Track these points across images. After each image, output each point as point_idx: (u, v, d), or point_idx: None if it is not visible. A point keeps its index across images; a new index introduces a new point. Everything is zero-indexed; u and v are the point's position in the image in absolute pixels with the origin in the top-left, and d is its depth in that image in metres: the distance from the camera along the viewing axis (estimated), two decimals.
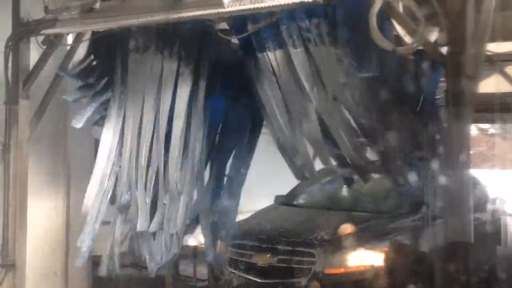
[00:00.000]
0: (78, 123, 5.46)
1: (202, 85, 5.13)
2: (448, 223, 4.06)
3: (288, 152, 4.98)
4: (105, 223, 5.52)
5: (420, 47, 3.78)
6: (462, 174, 3.89)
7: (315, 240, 5.53)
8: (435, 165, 4.64)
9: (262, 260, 5.60)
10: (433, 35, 3.82)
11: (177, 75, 5.05)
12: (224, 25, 5.08)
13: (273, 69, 4.77)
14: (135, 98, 5.22)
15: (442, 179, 4.26)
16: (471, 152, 4.03)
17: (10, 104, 5.79)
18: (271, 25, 4.52)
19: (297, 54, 4.61)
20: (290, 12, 4.48)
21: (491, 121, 7.74)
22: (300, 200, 6.98)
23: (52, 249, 6.51)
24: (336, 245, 5.46)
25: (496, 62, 5.26)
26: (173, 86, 5.06)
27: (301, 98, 4.72)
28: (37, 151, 6.09)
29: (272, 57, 4.73)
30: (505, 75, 5.47)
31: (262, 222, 6.13)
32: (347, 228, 5.59)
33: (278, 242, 5.62)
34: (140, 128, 5.20)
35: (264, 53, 4.75)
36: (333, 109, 4.63)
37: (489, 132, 11.91)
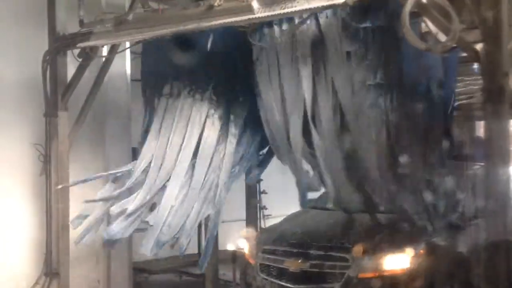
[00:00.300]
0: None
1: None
2: (488, 223, 3.96)
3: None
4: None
5: (454, 45, 3.71)
6: (503, 172, 3.80)
7: (348, 243, 5.37)
8: (472, 163, 4.56)
9: (294, 265, 5.48)
10: (467, 33, 3.74)
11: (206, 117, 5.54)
12: None
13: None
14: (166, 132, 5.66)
15: (482, 178, 4.19)
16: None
17: (50, 116, 5.94)
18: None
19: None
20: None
21: None
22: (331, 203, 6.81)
23: (94, 257, 6.63)
24: (369, 248, 5.28)
25: None
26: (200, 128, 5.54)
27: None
28: (76, 162, 6.21)
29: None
30: None
31: (293, 227, 5.99)
32: (379, 231, 5.43)
33: (310, 246, 5.50)
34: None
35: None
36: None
37: None
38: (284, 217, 6.62)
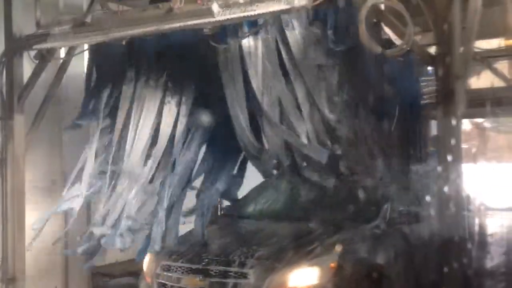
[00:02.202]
0: None
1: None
2: (437, 222, 4.10)
3: (251, 150, 4.95)
4: None
5: (408, 49, 3.83)
6: (454, 170, 3.95)
7: (251, 257, 4.79)
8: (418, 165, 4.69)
9: (192, 284, 4.91)
10: (421, 36, 3.88)
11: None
12: None
13: (243, 59, 4.74)
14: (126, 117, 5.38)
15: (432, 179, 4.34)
16: (465, 146, 4.08)
17: (5, 119, 5.81)
18: None
19: (268, 41, 4.63)
20: None
21: (484, 115, 7.83)
22: (244, 211, 6.14)
23: (51, 261, 6.53)
24: (275, 262, 4.73)
25: (486, 59, 5.33)
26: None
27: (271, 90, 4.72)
28: (33, 164, 6.11)
29: (246, 44, 4.71)
30: (495, 71, 5.53)
31: (195, 239, 5.28)
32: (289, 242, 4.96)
33: (210, 262, 4.91)
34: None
35: (235, 41, 4.74)
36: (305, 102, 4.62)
37: (483, 126, 12.02)
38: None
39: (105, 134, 5.52)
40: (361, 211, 5.33)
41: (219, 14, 4.34)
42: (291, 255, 4.75)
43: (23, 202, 5.84)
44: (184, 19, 4.48)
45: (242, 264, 4.76)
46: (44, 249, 6.38)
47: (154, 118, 5.27)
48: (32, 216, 5.97)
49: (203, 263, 4.92)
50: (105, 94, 5.51)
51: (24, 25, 5.72)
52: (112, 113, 5.49)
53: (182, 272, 5.03)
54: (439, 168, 4.03)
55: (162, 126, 5.27)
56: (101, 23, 5.01)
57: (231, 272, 4.78)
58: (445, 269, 3.95)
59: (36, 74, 5.78)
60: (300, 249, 4.78)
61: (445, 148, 3.94)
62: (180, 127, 5.28)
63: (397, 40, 3.89)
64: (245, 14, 4.26)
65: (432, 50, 3.94)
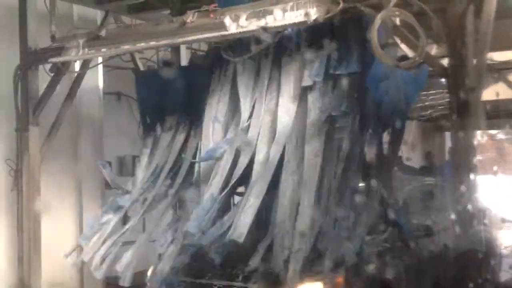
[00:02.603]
0: None
1: None
2: (449, 234, 4.06)
3: None
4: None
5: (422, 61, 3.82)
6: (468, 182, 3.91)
7: (255, 272, 4.64)
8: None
9: None
10: (434, 49, 3.87)
11: None
12: None
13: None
14: None
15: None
16: (479, 158, 4.04)
17: (21, 131, 5.89)
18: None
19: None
20: None
21: (499, 127, 7.77)
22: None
23: (67, 272, 6.56)
24: (279, 277, 4.52)
25: (500, 71, 5.30)
26: None
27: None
28: (48, 176, 6.16)
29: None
30: (508, 83, 5.49)
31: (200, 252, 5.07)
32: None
33: (213, 276, 4.81)
34: None
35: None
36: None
37: (497, 138, 11.91)
38: None
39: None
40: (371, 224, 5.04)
41: (231, 28, 4.36)
42: (297, 270, 4.50)
43: (38, 214, 5.89)
44: (197, 32, 4.52)
45: (246, 279, 4.62)
46: (60, 261, 6.43)
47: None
48: (47, 226, 6.03)
49: (207, 278, 4.83)
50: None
51: (39, 39, 5.81)
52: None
53: (185, 286, 4.93)
54: (454, 181, 3.99)
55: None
56: (114, 36, 5.07)
57: (234, 286, 4.67)
58: (461, 284, 3.90)
59: (51, 87, 5.85)
60: (306, 263, 4.55)
61: (459, 160, 3.91)
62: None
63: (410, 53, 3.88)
64: (257, 27, 4.27)
65: (445, 62, 3.93)
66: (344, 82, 4.60)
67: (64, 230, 6.65)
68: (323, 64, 4.62)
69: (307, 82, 4.70)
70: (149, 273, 5.25)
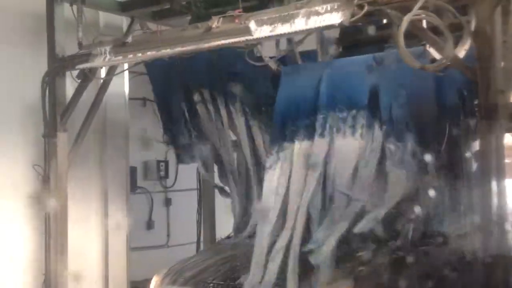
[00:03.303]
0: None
1: None
2: (480, 240, 3.98)
3: None
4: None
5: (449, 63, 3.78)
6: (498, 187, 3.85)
7: (259, 283, 4.52)
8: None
9: None
10: (462, 51, 3.82)
11: None
12: None
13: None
14: None
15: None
16: (507, 161, 3.97)
17: (49, 137, 5.96)
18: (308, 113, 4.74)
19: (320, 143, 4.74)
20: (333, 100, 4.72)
21: None
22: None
23: (92, 278, 6.63)
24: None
25: None
26: None
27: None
28: (75, 182, 6.23)
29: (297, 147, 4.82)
30: None
31: (205, 262, 5.09)
32: None
33: (215, 287, 4.71)
34: None
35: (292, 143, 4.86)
36: None
37: None
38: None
39: None
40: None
41: (256, 32, 4.38)
42: (302, 279, 4.42)
43: (65, 220, 5.95)
44: (222, 37, 4.54)
45: None
46: (86, 265, 6.51)
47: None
48: (73, 232, 6.10)
49: None
50: None
51: (66, 46, 5.89)
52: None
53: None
54: (482, 185, 3.94)
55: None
56: (140, 43, 5.12)
57: (231, 285, 4.62)
58: None
59: (78, 93, 5.94)
60: (311, 272, 4.44)
61: (488, 164, 3.85)
62: None
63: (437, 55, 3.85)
64: (282, 31, 4.28)
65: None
66: None
67: (90, 234, 6.73)
68: None
69: None
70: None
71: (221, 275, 4.77)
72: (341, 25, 4.05)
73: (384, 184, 4.65)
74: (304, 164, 4.79)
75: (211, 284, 4.71)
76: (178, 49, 4.81)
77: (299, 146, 4.85)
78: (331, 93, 4.77)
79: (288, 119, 4.98)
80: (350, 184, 4.68)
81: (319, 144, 4.77)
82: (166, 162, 8.11)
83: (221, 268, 4.89)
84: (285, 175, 4.85)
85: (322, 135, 4.77)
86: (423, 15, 3.70)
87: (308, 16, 4.15)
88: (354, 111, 4.69)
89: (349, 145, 4.69)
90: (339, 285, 4.33)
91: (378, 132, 4.67)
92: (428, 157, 4.63)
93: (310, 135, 4.82)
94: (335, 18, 4.02)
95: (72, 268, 5.97)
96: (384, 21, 4.64)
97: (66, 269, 5.92)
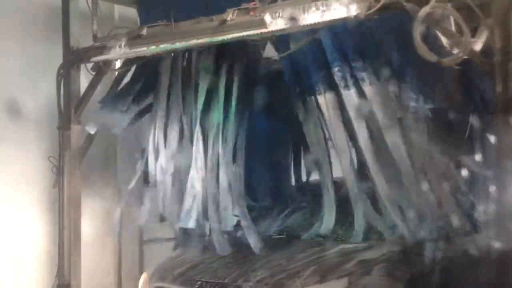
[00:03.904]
0: (118, 130, 5.60)
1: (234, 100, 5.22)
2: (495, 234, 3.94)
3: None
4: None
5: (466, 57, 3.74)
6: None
7: (247, 281, 4.34)
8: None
9: None
10: (479, 45, 3.78)
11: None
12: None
13: (321, 112, 4.79)
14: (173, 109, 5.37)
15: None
16: None
17: (63, 129, 6.00)
18: (321, 67, 4.61)
19: (349, 96, 4.62)
20: (342, 52, 4.60)
21: None
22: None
23: (105, 269, 6.67)
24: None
25: None
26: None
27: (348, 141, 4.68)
28: (88, 174, 6.27)
29: (322, 100, 4.75)
30: None
31: (196, 257, 4.96)
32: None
33: (203, 285, 4.55)
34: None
35: (313, 96, 4.80)
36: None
37: None
38: None
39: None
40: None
41: (272, 25, 4.36)
42: (293, 279, 4.21)
43: (79, 211, 6.00)
44: (237, 30, 4.52)
45: None
46: (99, 258, 6.55)
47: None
48: (86, 224, 6.14)
49: (196, 286, 4.56)
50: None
51: (81, 39, 5.92)
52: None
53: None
54: (499, 181, 3.90)
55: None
56: (155, 35, 5.11)
57: (223, 284, 4.43)
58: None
59: (92, 85, 5.96)
60: (303, 272, 4.26)
61: (505, 160, 3.81)
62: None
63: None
64: (297, 24, 4.26)
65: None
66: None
67: (103, 226, 6.77)
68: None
69: None
70: None
71: (211, 272, 4.65)
72: (356, 18, 4.02)
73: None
74: (338, 115, 4.74)
75: (199, 282, 4.57)
76: (193, 42, 4.80)
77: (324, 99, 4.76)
78: (338, 45, 4.64)
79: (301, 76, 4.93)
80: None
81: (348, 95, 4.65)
82: None
83: (211, 266, 4.77)
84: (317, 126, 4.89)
85: (346, 86, 4.65)
86: (440, 8, 3.66)
87: (323, 8, 4.13)
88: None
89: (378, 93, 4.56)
90: (334, 286, 4.17)
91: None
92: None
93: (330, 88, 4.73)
94: (351, 10, 3.99)
95: (85, 259, 6.00)
96: None
97: (80, 261, 5.95)
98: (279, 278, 4.25)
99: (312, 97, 4.83)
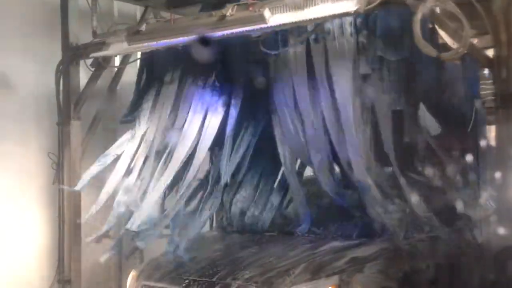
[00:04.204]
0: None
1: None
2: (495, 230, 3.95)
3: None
4: None
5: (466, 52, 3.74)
6: None
7: (235, 280, 4.21)
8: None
9: None
10: (478, 39, 3.79)
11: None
12: None
13: (290, 66, 4.82)
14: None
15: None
16: None
17: (63, 125, 6.00)
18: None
19: (316, 48, 4.64)
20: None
21: None
22: (239, 224, 5.52)
23: (106, 265, 6.66)
24: (264, 286, 4.08)
25: None
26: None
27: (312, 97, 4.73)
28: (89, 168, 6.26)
29: (292, 52, 4.77)
30: None
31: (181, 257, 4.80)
32: None
33: (190, 284, 4.39)
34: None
35: (285, 49, 4.80)
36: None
37: None
38: None
39: (150, 133, 5.53)
40: (370, 224, 4.72)
41: (271, 20, 4.35)
42: (283, 278, 4.11)
43: (79, 206, 6.00)
44: (236, 25, 4.52)
45: (226, 287, 4.22)
46: (99, 252, 6.54)
47: (201, 118, 5.28)
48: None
49: (184, 285, 4.43)
50: (152, 94, 5.62)
51: (80, 35, 5.91)
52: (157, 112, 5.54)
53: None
54: (498, 176, 3.91)
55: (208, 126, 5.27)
56: (154, 31, 5.11)
57: (206, 280, 4.32)
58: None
59: (92, 81, 5.95)
60: (293, 270, 4.17)
61: (504, 154, 3.82)
62: (229, 128, 5.31)
63: (453, 44, 3.81)
64: (297, 19, 4.26)
65: (490, 53, 3.84)
66: (397, 68, 4.54)
67: (103, 221, 6.76)
68: (378, 50, 4.55)
69: (365, 70, 4.60)
70: None
71: (198, 270, 4.53)
72: (356, 12, 4.02)
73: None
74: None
75: (187, 280, 4.44)
76: (192, 37, 4.79)
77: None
78: None
79: None
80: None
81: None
82: None
83: (199, 264, 4.65)
84: None
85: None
86: (440, 3, 3.67)
87: (323, 3, 4.12)
88: None
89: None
90: (322, 283, 4.08)
91: None
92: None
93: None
94: (350, 5, 3.99)
95: (85, 255, 6.00)
96: None
97: (80, 256, 5.96)
98: (268, 276, 4.14)
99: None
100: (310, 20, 4.29)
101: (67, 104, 5.98)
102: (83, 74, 6.04)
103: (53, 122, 6.06)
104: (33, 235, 6.23)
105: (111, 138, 6.70)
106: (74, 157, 5.98)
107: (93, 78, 5.95)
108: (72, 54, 5.92)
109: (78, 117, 6.00)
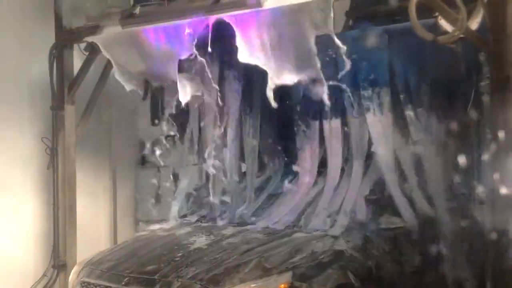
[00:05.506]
0: None
1: None
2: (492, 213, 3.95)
3: None
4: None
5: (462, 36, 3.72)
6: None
7: (178, 277, 3.90)
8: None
9: None
10: (475, 23, 3.76)
11: None
12: None
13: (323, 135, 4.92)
14: None
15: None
16: None
17: (57, 110, 5.97)
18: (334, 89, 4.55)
19: (354, 123, 4.74)
20: (353, 79, 4.61)
21: None
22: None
23: (100, 249, 6.66)
24: (209, 284, 3.76)
25: None
26: None
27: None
28: (83, 155, 6.25)
29: (327, 125, 4.92)
30: None
31: (127, 250, 4.62)
32: None
33: (130, 281, 4.09)
34: None
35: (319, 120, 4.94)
36: None
37: None
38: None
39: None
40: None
41: (266, 4, 4.31)
42: (231, 275, 3.79)
43: (74, 191, 5.99)
44: (231, 9, 4.48)
45: (167, 285, 3.87)
46: (94, 237, 6.55)
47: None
48: (81, 203, 6.13)
49: (123, 283, 4.12)
50: None
51: (74, 18, 5.85)
52: None
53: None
54: (493, 160, 3.90)
55: None
56: (148, 14, 5.06)
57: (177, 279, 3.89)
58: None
59: (86, 65, 5.91)
60: (243, 266, 3.85)
61: (500, 139, 3.81)
62: None
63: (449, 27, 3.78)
64: (293, 2, 4.22)
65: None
66: None
67: (99, 207, 6.78)
68: None
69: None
70: None
71: (141, 266, 4.21)
72: None
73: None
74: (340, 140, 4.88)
75: (127, 278, 4.13)
76: (187, 21, 4.75)
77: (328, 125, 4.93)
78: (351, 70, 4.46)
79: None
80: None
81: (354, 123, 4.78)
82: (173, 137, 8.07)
83: (142, 259, 4.34)
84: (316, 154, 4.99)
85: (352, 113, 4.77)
86: None
87: None
88: (378, 88, 4.63)
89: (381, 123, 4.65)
90: (272, 281, 3.77)
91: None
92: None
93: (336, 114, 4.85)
94: None
95: (80, 240, 6.00)
96: None
97: (75, 241, 5.96)
98: (215, 273, 3.81)
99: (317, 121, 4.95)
100: (307, 3, 4.24)
101: (61, 89, 5.94)
102: (77, 58, 5.99)
103: (47, 106, 6.02)
104: (27, 220, 6.22)
105: (106, 122, 6.71)
106: (68, 142, 5.95)
107: (87, 62, 5.90)
108: (66, 37, 5.86)
109: (72, 102, 5.96)
